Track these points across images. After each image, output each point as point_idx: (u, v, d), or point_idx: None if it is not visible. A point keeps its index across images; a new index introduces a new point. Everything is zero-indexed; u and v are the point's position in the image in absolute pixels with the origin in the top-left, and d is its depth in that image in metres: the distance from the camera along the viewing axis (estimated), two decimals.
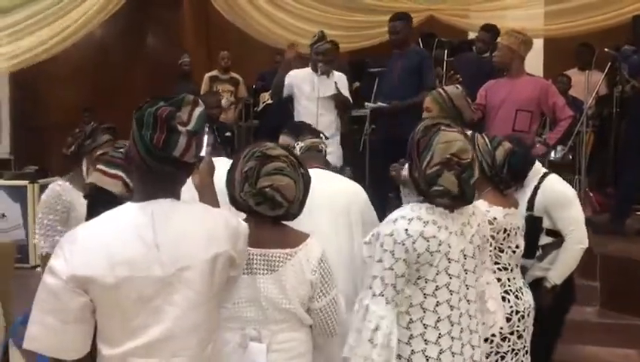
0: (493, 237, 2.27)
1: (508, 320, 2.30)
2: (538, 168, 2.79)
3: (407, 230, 1.78)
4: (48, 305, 1.40)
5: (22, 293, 2.51)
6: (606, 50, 5.09)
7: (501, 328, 2.24)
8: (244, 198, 1.79)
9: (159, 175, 1.45)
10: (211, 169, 1.89)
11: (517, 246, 2.38)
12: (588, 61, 5.59)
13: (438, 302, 1.82)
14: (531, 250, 2.65)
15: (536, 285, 2.67)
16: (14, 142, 7.63)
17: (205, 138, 1.73)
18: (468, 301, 1.87)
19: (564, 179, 2.93)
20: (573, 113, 4.06)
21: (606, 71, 5.22)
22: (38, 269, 3.34)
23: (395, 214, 1.85)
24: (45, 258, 2.70)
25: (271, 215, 1.80)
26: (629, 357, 3.65)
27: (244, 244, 1.62)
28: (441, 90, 3.11)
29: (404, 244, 1.77)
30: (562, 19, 5.86)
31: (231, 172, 1.84)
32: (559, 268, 2.72)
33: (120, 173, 1.93)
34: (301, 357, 1.83)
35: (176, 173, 1.48)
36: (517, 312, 2.34)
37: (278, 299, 1.77)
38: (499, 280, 2.33)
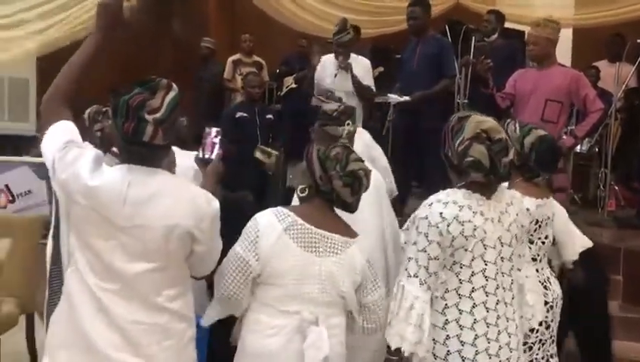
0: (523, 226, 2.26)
1: None
2: None
3: (441, 213, 1.81)
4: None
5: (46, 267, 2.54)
6: (639, 41, 4.97)
7: (540, 322, 2.24)
8: (329, 180, 1.86)
9: (136, 154, 1.66)
10: (218, 175, 2.00)
11: (546, 237, 2.36)
12: (618, 52, 5.44)
13: (473, 288, 1.83)
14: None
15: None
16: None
17: (216, 140, 2.02)
18: (504, 288, 1.88)
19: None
20: (604, 106, 3.99)
21: (637, 63, 5.09)
22: None
23: (432, 198, 1.88)
24: None
25: (349, 200, 1.89)
26: None
27: (211, 224, 1.70)
28: None
29: (438, 227, 1.80)
30: (593, 8, 5.74)
31: (308, 159, 1.93)
32: None
33: None
34: (342, 344, 1.90)
35: (152, 152, 1.66)
36: (546, 303, 2.32)
37: (337, 279, 1.84)
38: None
